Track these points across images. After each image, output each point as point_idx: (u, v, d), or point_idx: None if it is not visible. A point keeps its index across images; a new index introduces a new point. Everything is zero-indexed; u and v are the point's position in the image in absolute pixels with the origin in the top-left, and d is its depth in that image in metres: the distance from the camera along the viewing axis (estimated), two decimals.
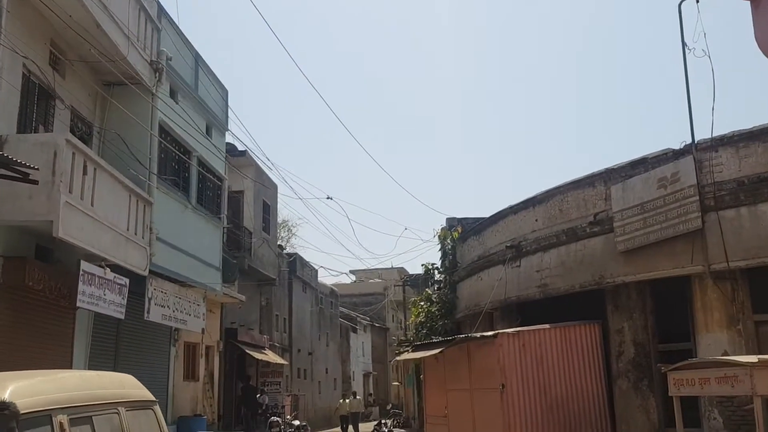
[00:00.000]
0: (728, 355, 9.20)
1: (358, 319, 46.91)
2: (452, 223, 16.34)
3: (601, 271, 11.06)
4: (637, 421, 10.38)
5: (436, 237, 16.45)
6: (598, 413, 10.76)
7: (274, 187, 28.92)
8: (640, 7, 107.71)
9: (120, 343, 14.55)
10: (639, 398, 10.44)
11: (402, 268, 56.64)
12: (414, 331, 15.87)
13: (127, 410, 7.22)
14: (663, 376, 10.11)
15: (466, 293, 15.04)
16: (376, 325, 51.09)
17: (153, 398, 8.16)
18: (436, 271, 16.39)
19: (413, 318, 16.39)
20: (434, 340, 12.46)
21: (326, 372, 39.11)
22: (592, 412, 10.71)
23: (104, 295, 12.29)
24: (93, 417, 6.58)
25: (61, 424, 6.03)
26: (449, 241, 15.79)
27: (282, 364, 27.88)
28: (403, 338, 29.38)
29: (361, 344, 47.58)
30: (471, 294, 14.68)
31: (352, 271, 57.09)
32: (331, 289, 42.21)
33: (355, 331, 45.67)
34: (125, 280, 13.20)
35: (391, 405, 26.54)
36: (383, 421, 19.85)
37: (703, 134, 12.20)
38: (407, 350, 13.83)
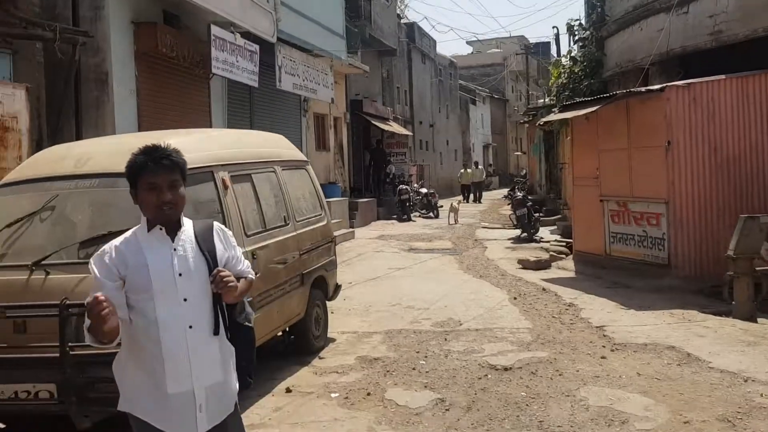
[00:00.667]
0: None
1: (477, 91, 45.64)
2: None
3: None
4: None
5: None
6: None
7: None
8: None
9: (254, 113, 14.59)
10: None
11: (522, 36, 53.70)
12: (554, 93, 14.77)
13: (282, 169, 7.04)
14: None
15: (616, 49, 13.58)
16: (495, 96, 49.67)
17: (305, 158, 7.95)
18: (579, 28, 14.78)
19: (553, 80, 15.22)
20: (586, 99, 11.46)
21: (447, 144, 39.14)
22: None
23: (236, 61, 11.99)
24: (252, 175, 6.43)
25: (223, 180, 5.86)
26: None
27: (406, 135, 27.86)
28: (530, 106, 28.26)
29: (480, 116, 46.80)
30: (622, 50, 13.23)
31: (469, 42, 54.80)
32: (450, 61, 40.76)
33: (474, 103, 44.71)
34: (255, 47, 12.80)
35: (525, 171, 26.25)
36: (516, 187, 19.65)
37: None
38: (553, 111, 12.96)
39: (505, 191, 35.25)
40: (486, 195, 33.41)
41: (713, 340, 6.68)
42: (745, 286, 7.69)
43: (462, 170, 33.16)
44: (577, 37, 14.86)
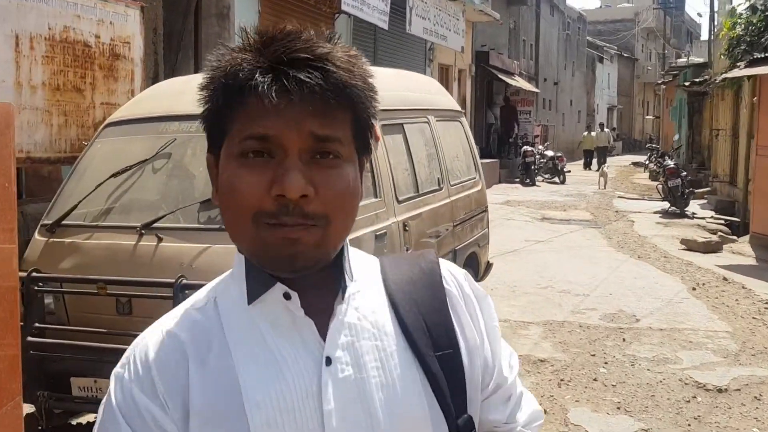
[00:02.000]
0: None
1: (605, 48, 42.45)
2: None
3: None
4: None
5: None
6: None
7: None
8: None
9: (377, 59, 13.38)
10: None
11: None
12: (725, 48, 12.71)
13: (436, 120, 5.83)
14: None
15: None
16: (624, 55, 46.11)
17: (459, 108, 6.70)
18: None
19: (724, 32, 13.09)
20: None
21: (570, 104, 36.66)
22: None
23: None
24: (404, 125, 5.27)
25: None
26: None
27: (533, 92, 25.97)
28: (673, 65, 25.57)
29: (607, 75, 43.62)
30: None
31: None
32: (579, 14, 37.93)
33: (601, 61, 41.63)
34: None
35: (677, 137, 23.83)
36: (665, 155, 17.58)
37: None
38: (738, 65, 11.03)
39: (631, 158, 32.65)
40: (609, 161, 30.93)
41: None
42: None
43: (585, 133, 30.62)
44: None
